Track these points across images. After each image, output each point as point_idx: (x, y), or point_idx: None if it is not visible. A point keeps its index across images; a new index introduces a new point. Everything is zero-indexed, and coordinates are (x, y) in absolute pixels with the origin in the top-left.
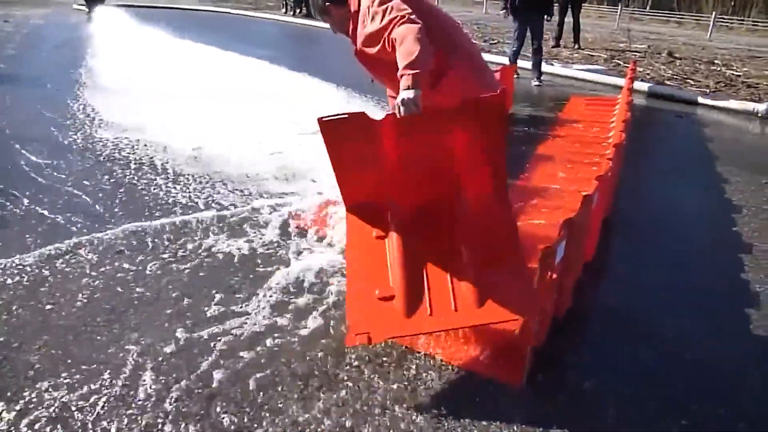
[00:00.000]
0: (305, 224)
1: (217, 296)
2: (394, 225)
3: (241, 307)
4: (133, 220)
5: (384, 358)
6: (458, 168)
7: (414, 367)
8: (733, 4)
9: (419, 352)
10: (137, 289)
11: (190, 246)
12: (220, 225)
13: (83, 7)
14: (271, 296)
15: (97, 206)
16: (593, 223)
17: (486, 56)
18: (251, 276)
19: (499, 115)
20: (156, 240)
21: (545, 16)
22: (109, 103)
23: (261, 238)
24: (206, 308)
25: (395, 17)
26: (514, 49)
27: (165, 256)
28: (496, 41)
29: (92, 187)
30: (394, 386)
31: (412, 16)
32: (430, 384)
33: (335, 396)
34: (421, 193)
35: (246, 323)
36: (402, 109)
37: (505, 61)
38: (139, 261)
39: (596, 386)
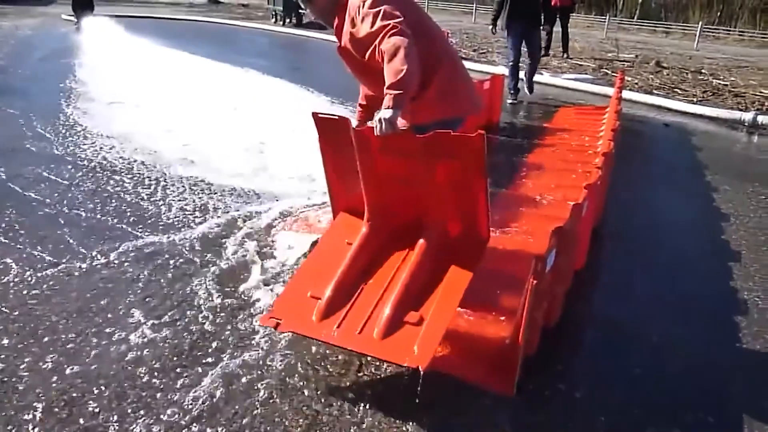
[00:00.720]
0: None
1: None
2: (360, 234)
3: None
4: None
5: (375, 364)
6: (432, 199)
7: (405, 376)
8: (719, 14)
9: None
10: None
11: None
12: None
13: (72, 18)
14: None
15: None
16: (583, 231)
17: (476, 66)
18: None
19: (478, 155)
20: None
21: (540, 25)
22: (97, 112)
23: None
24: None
25: (387, 26)
26: (512, 62)
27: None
28: (485, 51)
29: (81, 198)
30: (385, 395)
31: (403, 26)
32: (421, 394)
33: (328, 404)
34: (395, 211)
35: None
36: (379, 126)
37: (494, 70)
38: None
39: (587, 395)
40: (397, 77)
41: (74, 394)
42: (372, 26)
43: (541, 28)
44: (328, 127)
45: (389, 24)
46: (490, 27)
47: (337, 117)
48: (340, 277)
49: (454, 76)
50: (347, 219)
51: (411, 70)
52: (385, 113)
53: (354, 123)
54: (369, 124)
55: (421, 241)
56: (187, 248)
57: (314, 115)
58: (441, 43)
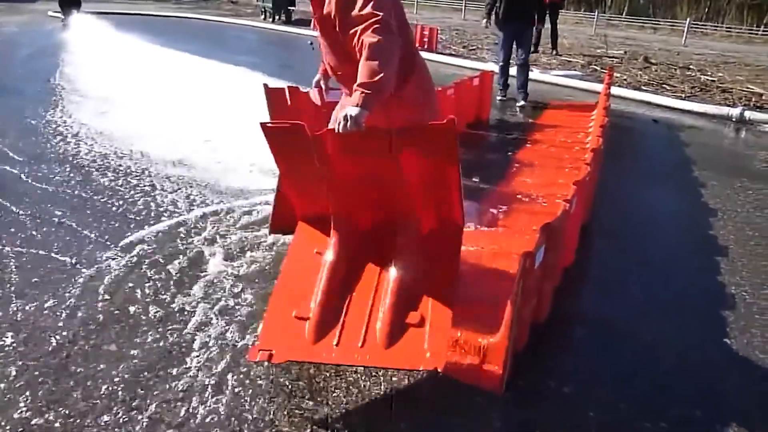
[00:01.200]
0: None
1: None
2: (332, 244)
3: None
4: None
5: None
6: (404, 194)
7: (393, 373)
8: (707, 10)
9: None
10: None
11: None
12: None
13: (59, 15)
14: None
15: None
16: (572, 228)
17: (465, 62)
18: None
19: (450, 143)
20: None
21: (533, 25)
22: (82, 110)
23: None
24: None
25: (376, 17)
26: (502, 63)
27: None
28: (474, 47)
29: (67, 195)
30: (374, 394)
31: (392, 23)
32: (410, 391)
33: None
34: (363, 215)
35: None
36: (343, 123)
37: (483, 67)
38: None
39: (576, 391)
40: (374, 78)
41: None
42: (362, 9)
43: (534, 28)
44: (280, 136)
45: (379, 16)
46: (484, 21)
47: (289, 125)
48: (323, 291)
49: (426, 80)
50: (308, 229)
51: (389, 75)
52: (352, 110)
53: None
54: (331, 124)
55: (400, 239)
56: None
57: (263, 125)
58: (414, 47)
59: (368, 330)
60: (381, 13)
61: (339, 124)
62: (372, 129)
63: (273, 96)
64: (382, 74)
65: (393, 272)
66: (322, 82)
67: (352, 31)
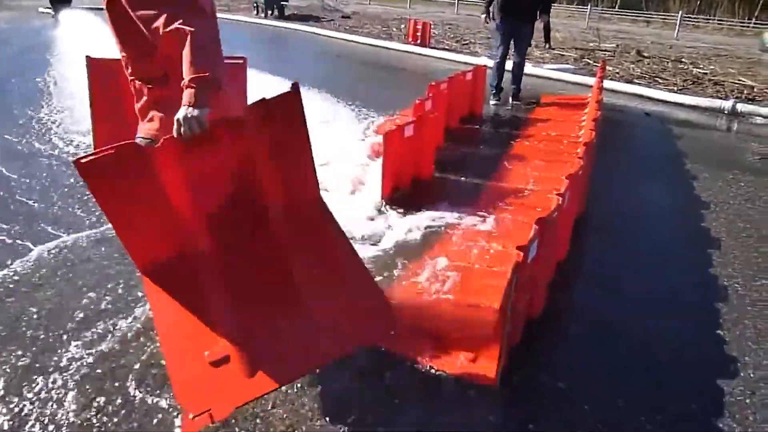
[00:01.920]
0: None
1: None
2: (208, 269)
3: None
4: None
5: (353, 358)
6: (263, 183)
7: (389, 369)
8: (699, 3)
9: (394, 354)
10: None
11: None
12: None
13: (49, 11)
14: None
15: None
16: (565, 221)
17: (459, 57)
18: None
19: (298, 110)
20: None
21: (533, 21)
22: (73, 107)
23: None
24: None
25: (189, 3)
26: (498, 59)
27: None
28: (468, 42)
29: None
30: (368, 385)
31: (205, 8)
32: (405, 386)
33: (309, 401)
34: (228, 225)
35: None
36: (184, 128)
37: (477, 62)
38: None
39: (570, 386)
40: (207, 71)
41: None
42: None
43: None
44: (107, 178)
45: (200, 3)
46: (483, 16)
47: (112, 150)
48: (218, 318)
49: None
50: (162, 267)
51: (219, 62)
52: (191, 111)
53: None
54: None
55: (271, 228)
56: None
57: (77, 164)
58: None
59: (301, 333)
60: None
61: (180, 129)
62: (217, 122)
63: (95, 69)
64: (213, 65)
65: (284, 264)
66: None
67: (155, 21)
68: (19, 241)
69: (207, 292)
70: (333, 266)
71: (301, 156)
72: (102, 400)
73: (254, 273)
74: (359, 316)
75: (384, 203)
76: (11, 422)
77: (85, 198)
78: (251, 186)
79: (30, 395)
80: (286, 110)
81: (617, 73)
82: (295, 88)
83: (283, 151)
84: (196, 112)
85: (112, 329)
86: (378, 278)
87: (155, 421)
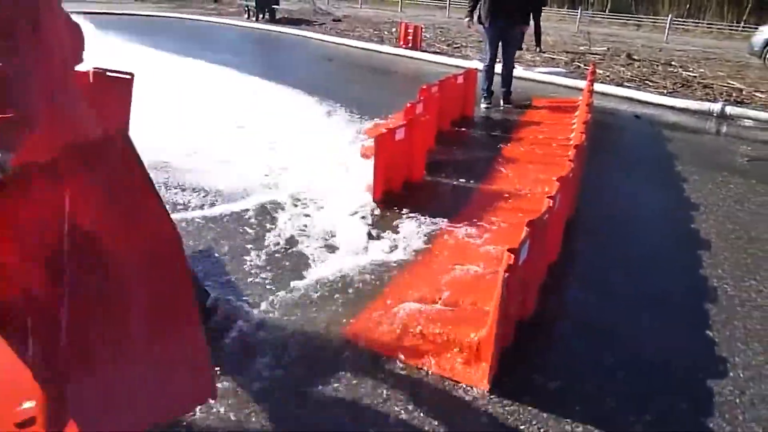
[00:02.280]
0: None
1: None
2: (34, 319)
3: None
4: None
5: (345, 362)
6: (97, 228)
7: (380, 369)
8: (688, 6)
9: (385, 356)
10: None
11: None
12: None
13: None
14: None
15: None
16: (556, 224)
17: (449, 60)
18: None
19: (126, 150)
20: None
21: (525, 23)
22: None
23: None
24: None
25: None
26: (488, 63)
27: None
28: (459, 45)
29: None
30: (361, 389)
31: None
32: (396, 387)
33: (301, 400)
34: (58, 275)
35: None
36: None
37: (468, 65)
38: None
39: (561, 386)
40: (6, 112)
41: None
42: None
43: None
44: None
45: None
46: (466, 19)
47: None
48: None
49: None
50: None
51: (26, 101)
52: None
53: None
54: None
55: (110, 274)
56: None
57: None
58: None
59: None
60: None
61: None
62: (22, 167)
63: None
64: (16, 105)
65: (110, 315)
66: None
67: None
68: None
69: (24, 345)
70: (171, 320)
71: (138, 197)
72: None
73: (84, 324)
74: (183, 384)
75: (375, 206)
76: None
77: None
78: (84, 232)
79: None
80: (111, 153)
81: (608, 76)
82: (123, 131)
83: (115, 194)
84: None
85: None
86: (367, 282)
87: None
